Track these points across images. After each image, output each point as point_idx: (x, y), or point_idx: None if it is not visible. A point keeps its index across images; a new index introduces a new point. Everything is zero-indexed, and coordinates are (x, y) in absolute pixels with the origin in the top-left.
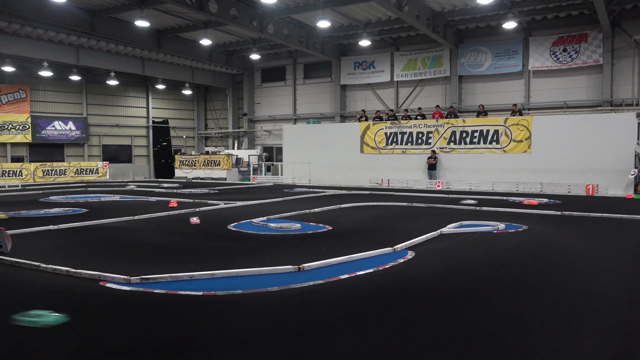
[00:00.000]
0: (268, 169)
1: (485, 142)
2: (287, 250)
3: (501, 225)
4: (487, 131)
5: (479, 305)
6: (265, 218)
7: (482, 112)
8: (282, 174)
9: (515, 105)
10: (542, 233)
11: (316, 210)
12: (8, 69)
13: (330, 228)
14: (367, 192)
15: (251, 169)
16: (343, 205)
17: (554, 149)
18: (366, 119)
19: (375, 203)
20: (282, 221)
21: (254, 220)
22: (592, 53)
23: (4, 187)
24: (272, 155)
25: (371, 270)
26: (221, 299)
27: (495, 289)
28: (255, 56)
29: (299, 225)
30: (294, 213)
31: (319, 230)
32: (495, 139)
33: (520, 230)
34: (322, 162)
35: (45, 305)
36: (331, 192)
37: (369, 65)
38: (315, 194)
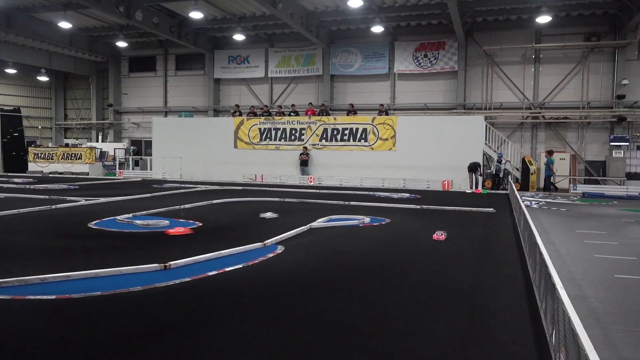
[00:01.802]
0: (136, 164)
1: (355, 140)
2: (153, 249)
3: (367, 219)
4: (357, 129)
5: (343, 294)
6: (131, 215)
7: (352, 110)
8: (151, 169)
9: (382, 105)
10: (403, 225)
11: (186, 206)
12: None
13: (200, 224)
14: (241, 187)
15: (117, 163)
16: (215, 201)
17: (415, 147)
18: (240, 114)
19: (247, 199)
20: (149, 218)
21: (118, 217)
22: (449, 60)
23: None
24: (141, 149)
25: (240, 266)
26: (77, 303)
27: (359, 278)
28: (122, 44)
29: (167, 222)
30: (162, 209)
31: (189, 227)
32: (364, 136)
33: (383, 223)
34: (195, 156)
35: None
36: (203, 187)
37: (244, 60)
38: (187, 190)
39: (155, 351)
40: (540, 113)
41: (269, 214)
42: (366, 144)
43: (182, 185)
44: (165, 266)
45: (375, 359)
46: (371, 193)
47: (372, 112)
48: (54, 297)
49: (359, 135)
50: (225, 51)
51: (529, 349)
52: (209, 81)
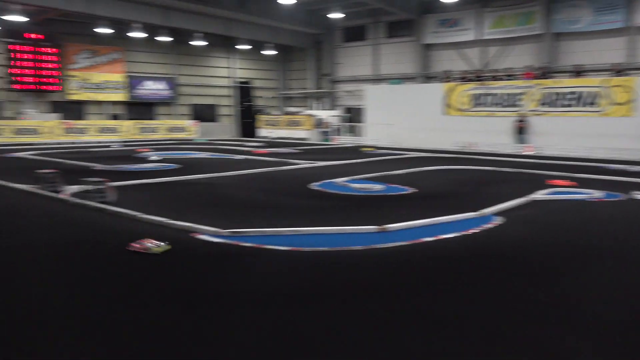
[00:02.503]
0: (349, 130)
1: (581, 105)
2: (369, 211)
3: (599, 194)
4: (584, 93)
5: (574, 276)
6: (347, 178)
7: (577, 72)
8: (363, 135)
9: (616, 64)
10: None
11: (399, 172)
12: (104, 30)
13: (414, 190)
14: (452, 155)
15: (332, 129)
16: (426, 168)
17: None
18: (450, 80)
19: (460, 167)
20: (364, 182)
21: (335, 180)
22: None
23: (105, 142)
24: (354, 116)
25: (456, 234)
26: (306, 255)
27: (595, 261)
28: (336, 15)
29: (381, 186)
30: (376, 174)
31: (403, 193)
32: (592, 101)
33: (620, 199)
34: (405, 123)
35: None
36: (414, 154)
37: (455, 23)
38: (398, 156)
39: (373, 307)
40: None
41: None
42: (596, 109)
43: (393, 152)
44: (382, 229)
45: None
46: (601, 165)
47: (601, 74)
48: (287, 248)
49: (586, 99)
50: (435, 15)
51: None
52: (418, 47)
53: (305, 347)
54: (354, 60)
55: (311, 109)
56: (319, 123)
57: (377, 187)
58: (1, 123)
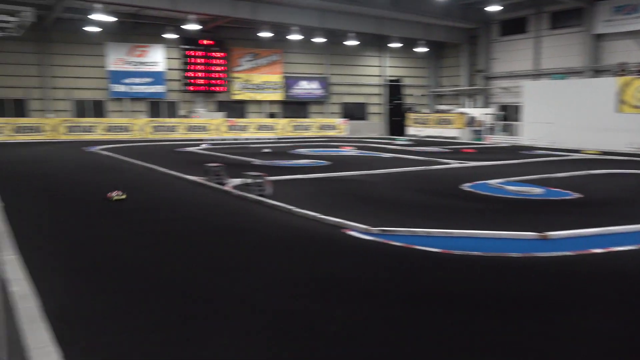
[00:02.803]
0: (504, 129)
1: None
2: (527, 216)
3: None
4: None
5: None
6: (502, 180)
7: None
8: (519, 135)
9: None
10: None
11: (561, 174)
12: (265, 34)
13: (580, 196)
14: (625, 157)
15: (485, 128)
16: (593, 172)
17: None
18: (627, 73)
19: (636, 171)
20: (521, 184)
21: (489, 181)
22: None
23: (262, 139)
24: (509, 114)
25: (632, 248)
26: (459, 259)
27: None
28: (494, 8)
29: (541, 190)
30: (534, 177)
31: (566, 197)
32: None
33: None
34: (568, 122)
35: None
36: (578, 156)
37: (634, 9)
38: (559, 157)
39: (525, 321)
40: None
41: None
42: None
43: (553, 152)
44: (543, 236)
45: None
46: None
47: None
48: (438, 250)
49: None
50: (609, 2)
51: None
52: (587, 38)
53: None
54: (512, 55)
55: (463, 106)
56: (471, 121)
57: (536, 190)
58: (176, 121)
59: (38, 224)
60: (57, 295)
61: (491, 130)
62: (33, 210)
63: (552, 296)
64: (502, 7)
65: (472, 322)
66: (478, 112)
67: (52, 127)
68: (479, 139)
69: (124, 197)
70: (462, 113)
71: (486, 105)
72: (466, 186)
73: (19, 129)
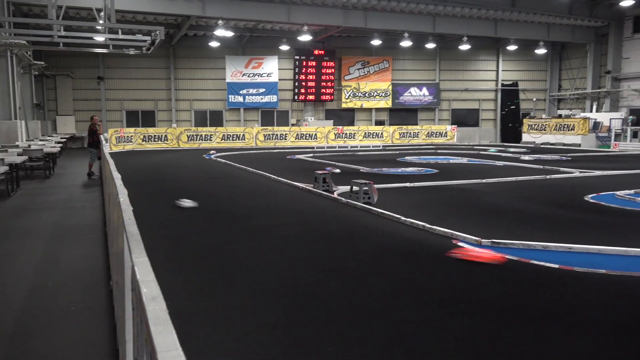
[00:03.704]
0: (634, 135)
1: None
2: None
3: None
4: None
5: None
6: (632, 192)
7: None
8: None
9: None
10: None
11: None
12: (376, 42)
13: None
14: None
15: (613, 134)
16: None
17: None
18: None
19: None
20: None
21: (617, 192)
22: None
23: (369, 147)
24: None
25: None
26: (581, 276)
27: None
28: (627, 2)
29: None
30: None
31: None
32: None
33: None
34: None
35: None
36: None
37: None
38: None
39: None
40: None
41: None
42: None
43: None
44: None
45: None
46: None
47: None
48: (556, 266)
49: None
50: None
51: None
52: None
53: None
54: None
55: (587, 111)
56: (596, 127)
57: None
58: (286, 129)
59: (162, 227)
60: (175, 295)
61: (620, 136)
62: (158, 214)
63: None
64: (636, 2)
65: (597, 344)
66: (604, 117)
67: (175, 136)
68: (606, 146)
69: None
70: (585, 118)
71: (615, 109)
72: (590, 197)
73: (147, 138)
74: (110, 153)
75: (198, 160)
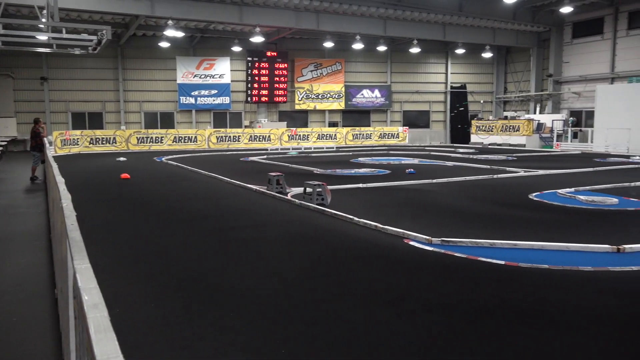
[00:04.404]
0: (575, 136)
1: None
2: (600, 227)
3: None
4: None
5: None
6: (572, 189)
7: None
8: (592, 141)
9: None
10: None
11: (638, 183)
12: (328, 44)
13: None
14: None
15: (555, 135)
16: None
17: None
18: None
19: None
20: (593, 194)
21: (559, 190)
22: None
23: (323, 148)
24: (580, 120)
25: None
26: (525, 272)
27: None
28: (566, 9)
29: (615, 200)
30: (609, 186)
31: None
32: None
33: None
34: None
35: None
36: None
37: None
38: (637, 165)
39: (598, 339)
40: None
41: None
42: None
43: (630, 160)
44: (618, 249)
45: None
46: None
47: None
48: (503, 262)
49: None
50: None
51: None
52: None
53: None
54: (585, 58)
55: (531, 112)
56: (540, 128)
57: (611, 200)
58: (240, 131)
59: (107, 233)
60: (123, 302)
61: (561, 136)
62: (104, 219)
63: (626, 313)
64: (575, 9)
65: (538, 339)
66: (547, 118)
67: (124, 138)
68: (549, 146)
69: None
70: (529, 119)
71: (556, 111)
72: (534, 196)
73: (95, 141)
74: (54, 156)
75: (148, 163)
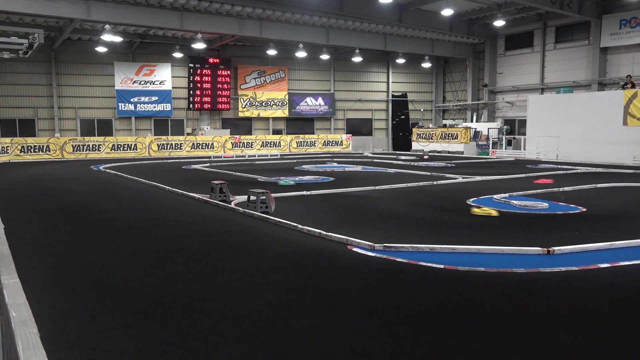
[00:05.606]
0: (509, 143)
1: None
2: (532, 231)
3: None
4: None
5: None
6: (507, 195)
7: None
8: (524, 149)
9: None
10: None
11: (566, 189)
12: (271, 52)
13: (584, 210)
14: (631, 171)
15: (490, 142)
16: (599, 185)
17: None
18: (633, 86)
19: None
20: (526, 199)
21: (494, 196)
22: None
23: (267, 156)
24: (514, 128)
25: (639, 262)
26: (463, 275)
27: None
28: (499, 22)
29: (546, 204)
30: (540, 191)
31: (571, 212)
32: None
33: None
34: (573, 135)
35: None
36: (584, 169)
37: None
38: (565, 171)
39: (530, 338)
40: None
41: None
42: None
43: (559, 166)
44: (548, 251)
45: None
46: None
47: None
48: (442, 266)
49: None
50: (615, 15)
51: None
52: (593, 52)
53: None
54: (517, 69)
55: (468, 121)
56: (477, 136)
57: (541, 205)
58: (182, 139)
59: (40, 246)
60: (57, 318)
61: (497, 144)
62: (35, 232)
63: (557, 312)
64: (507, 22)
65: (475, 339)
66: (483, 127)
67: (58, 146)
68: (485, 154)
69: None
70: (467, 127)
71: (492, 119)
72: (472, 201)
73: (27, 149)
74: None
75: (85, 171)
